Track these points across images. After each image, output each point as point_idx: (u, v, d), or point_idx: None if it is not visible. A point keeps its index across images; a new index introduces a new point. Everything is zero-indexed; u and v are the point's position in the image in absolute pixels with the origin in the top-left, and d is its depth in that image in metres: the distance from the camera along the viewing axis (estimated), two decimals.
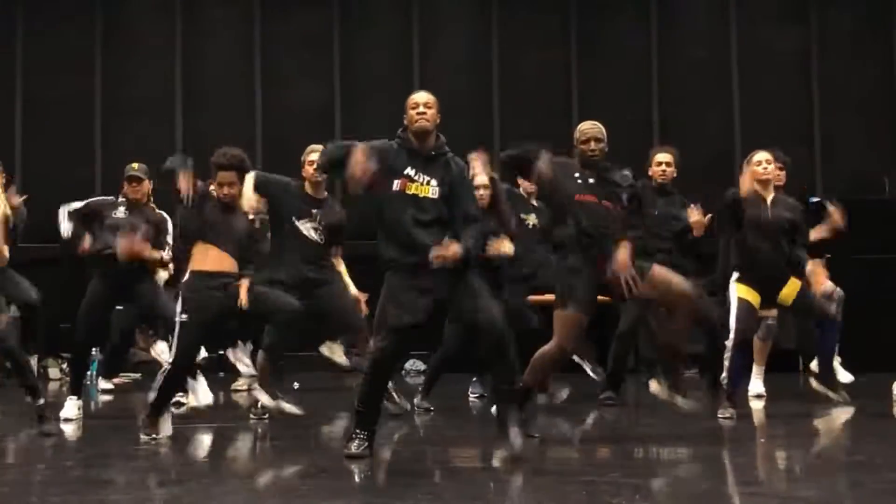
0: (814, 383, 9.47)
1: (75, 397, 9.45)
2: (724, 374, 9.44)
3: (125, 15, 15.59)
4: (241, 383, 11.76)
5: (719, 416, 9.12)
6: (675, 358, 8.27)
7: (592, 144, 8.18)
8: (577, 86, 15.68)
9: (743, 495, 6.24)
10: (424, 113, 7.29)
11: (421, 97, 7.35)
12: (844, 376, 10.70)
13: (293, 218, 9.19)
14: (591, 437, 8.38)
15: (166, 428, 8.14)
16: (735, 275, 9.39)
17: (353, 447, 7.16)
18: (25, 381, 8.52)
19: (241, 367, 11.74)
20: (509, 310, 9.51)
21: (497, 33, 15.78)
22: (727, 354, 9.42)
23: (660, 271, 8.12)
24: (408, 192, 7.15)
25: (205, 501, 6.06)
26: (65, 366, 13.69)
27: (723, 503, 6.12)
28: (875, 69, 15.66)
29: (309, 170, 9.24)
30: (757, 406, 10.27)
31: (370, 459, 7.10)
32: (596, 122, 8.27)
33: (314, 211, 9.23)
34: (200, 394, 9.39)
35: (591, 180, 8.09)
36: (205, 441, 8.55)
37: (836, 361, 10.62)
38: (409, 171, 7.17)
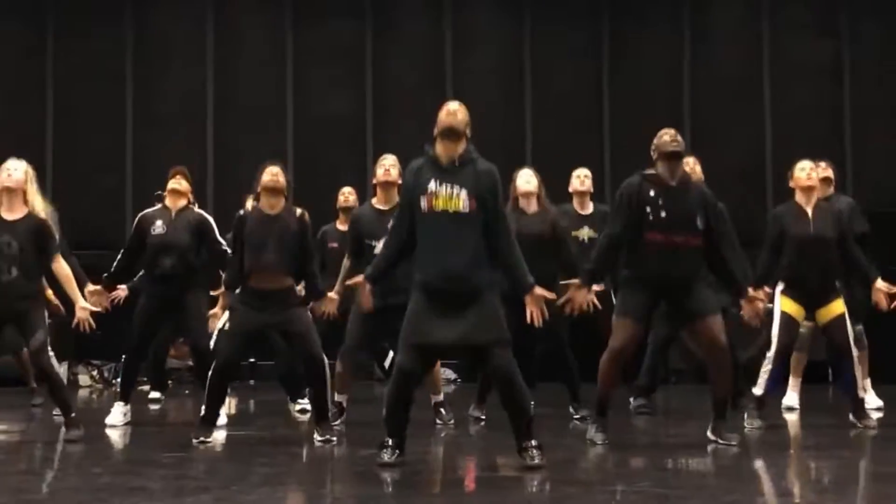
0: (851, 418, 9.34)
1: (122, 403, 9.47)
2: (757, 385, 9.41)
3: (156, 24, 15.65)
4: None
5: (746, 426, 9.10)
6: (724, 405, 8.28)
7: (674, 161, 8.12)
8: (609, 96, 15.67)
9: None
10: (454, 113, 7.20)
11: (452, 104, 7.31)
12: (874, 401, 10.55)
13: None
14: (621, 446, 8.34)
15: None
16: (780, 286, 9.35)
17: (386, 455, 7.23)
18: (58, 399, 8.61)
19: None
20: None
21: (529, 44, 15.77)
22: (765, 365, 9.39)
23: (711, 326, 8.11)
24: (436, 209, 7.04)
25: None
26: (94, 373, 13.69)
27: None
28: None
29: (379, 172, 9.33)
30: (789, 418, 10.21)
31: (402, 468, 7.13)
32: (677, 136, 8.16)
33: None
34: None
35: (662, 213, 8.04)
36: (234, 449, 8.56)
37: (868, 386, 10.49)
38: (433, 184, 7.05)
